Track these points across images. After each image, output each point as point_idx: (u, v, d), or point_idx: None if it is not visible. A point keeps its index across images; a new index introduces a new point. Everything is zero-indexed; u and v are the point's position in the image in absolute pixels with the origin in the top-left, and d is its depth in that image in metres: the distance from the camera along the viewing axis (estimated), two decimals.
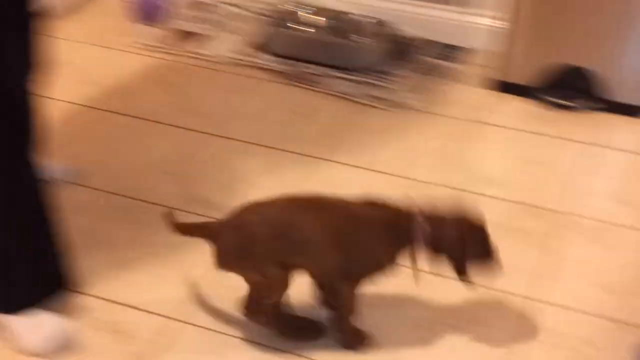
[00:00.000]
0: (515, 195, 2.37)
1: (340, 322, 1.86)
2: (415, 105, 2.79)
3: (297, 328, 1.90)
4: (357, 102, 2.80)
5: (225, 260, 1.76)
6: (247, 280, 1.79)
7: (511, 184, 2.42)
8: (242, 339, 1.90)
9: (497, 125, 2.70)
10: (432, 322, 1.95)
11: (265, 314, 1.84)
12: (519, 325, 1.96)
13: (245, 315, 1.85)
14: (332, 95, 2.83)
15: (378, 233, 1.75)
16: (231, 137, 2.60)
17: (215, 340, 1.90)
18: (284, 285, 1.78)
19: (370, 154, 2.55)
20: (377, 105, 2.78)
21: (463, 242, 1.73)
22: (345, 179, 2.44)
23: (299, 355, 1.86)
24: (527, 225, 2.26)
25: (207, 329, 1.93)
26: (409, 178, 2.45)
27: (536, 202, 2.34)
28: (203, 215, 2.19)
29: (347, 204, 1.79)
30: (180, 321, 1.94)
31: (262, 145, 2.57)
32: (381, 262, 1.78)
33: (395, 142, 2.61)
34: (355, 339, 1.88)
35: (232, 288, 1.85)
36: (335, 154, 2.54)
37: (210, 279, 2.02)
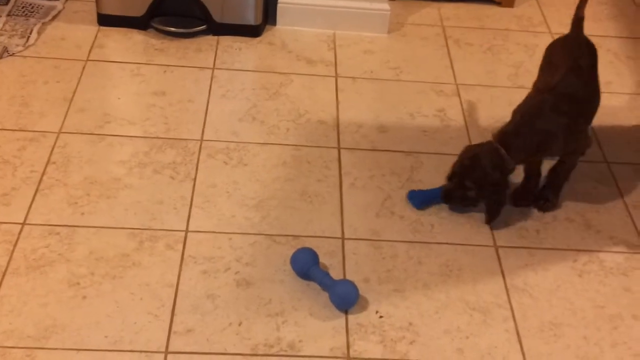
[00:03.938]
0: (148, 131, 2.35)
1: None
2: (19, 51, 2.60)
3: None
4: None
5: None
6: None
7: (141, 120, 2.39)
8: None
9: (112, 61, 2.63)
10: None
11: None
12: (170, 260, 1.97)
13: None
14: None
15: None
16: None
17: None
18: None
19: None
20: None
21: None
22: None
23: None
24: (164, 159, 2.25)
25: None
26: (34, 130, 2.30)
27: (170, 134, 2.34)
28: None
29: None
30: None
31: None
32: None
33: (8, 93, 2.43)
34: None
35: None
36: None
37: None
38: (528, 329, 1.89)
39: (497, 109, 2.57)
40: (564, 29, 2.99)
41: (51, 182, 2.14)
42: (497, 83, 2.71)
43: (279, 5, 2.85)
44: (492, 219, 2.15)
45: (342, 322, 1.87)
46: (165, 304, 1.86)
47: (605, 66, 2.79)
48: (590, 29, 2.96)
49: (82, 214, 2.06)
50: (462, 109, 2.56)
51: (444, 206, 2.19)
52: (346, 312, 1.88)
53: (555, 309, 1.95)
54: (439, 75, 2.71)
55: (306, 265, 1.94)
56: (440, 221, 2.15)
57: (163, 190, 2.16)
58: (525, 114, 2.14)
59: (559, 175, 2.23)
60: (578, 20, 2.32)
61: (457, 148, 2.38)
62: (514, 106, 2.60)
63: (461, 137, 2.43)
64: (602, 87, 2.25)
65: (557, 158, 2.23)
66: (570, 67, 2.19)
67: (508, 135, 2.10)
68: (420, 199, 2.19)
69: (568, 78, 2.16)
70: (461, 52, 2.85)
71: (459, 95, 2.62)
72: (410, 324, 1.88)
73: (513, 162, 2.09)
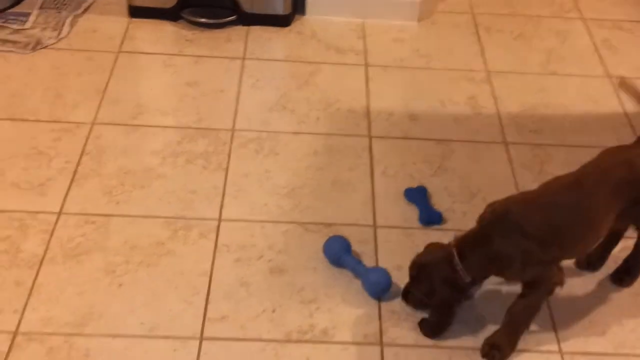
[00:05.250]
0: (180, 121, 2.37)
1: None
2: (52, 43, 2.63)
3: None
4: None
5: None
6: None
7: (173, 110, 2.41)
8: None
9: (144, 53, 2.65)
10: None
11: None
12: (203, 248, 1.99)
13: None
14: None
15: None
16: None
17: None
18: None
19: (18, 104, 2.37)
20: (13, 49, 2.58)
21: None
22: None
23: None
24: (197, 149, 2.27)
25: None
26: (68, 122, 2.33)
27: (201, 124, 2.36)
28: None
29: None
30: None
31: None
32: None
33: (42, 85, 2.45)
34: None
35: None
36: None
37: None
38: (563, 315, 1.89)
39: (528, 96, 2.56)
40: (596, 14, 2.97)
41: (86, 172, 2.17)
42: (528, 70, 2.69)
43: None
44: (432, 336, 1.82)
45: (375, 309, 1.87)
46: (199, 292, 1.88)
47: (631, 49, 2.76)
48: (611, 14, 2.94)
49: (117, 203, 2.08)
50: (494, 96, 2.55)
51: (476, 194, 2.19)
52: (379, 300, 1.89)
53: (590, 296, 1.94)
54: (469, 63, 2.70)
55: (338, 252, 1.95)
56: (472, 209, 2.15)
57: (196, 180, 2.17)
58: (485, 223, 1.74)
59: (512, 316, 1.78)
60: None
61: (488, 135, 2.39)
62: (545, 93, 2.59)
63: (493, 125, 2.42)
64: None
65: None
66: (575, 180, 1.75)
67: (466, 243, 1.74)
68: (415, 200, 2.15)
69: (560, 192, 1.74)
70: (492, 39, 2.83)
71: (490, 83, 2.61)
72: None
73: (469, 276, 1.73)
